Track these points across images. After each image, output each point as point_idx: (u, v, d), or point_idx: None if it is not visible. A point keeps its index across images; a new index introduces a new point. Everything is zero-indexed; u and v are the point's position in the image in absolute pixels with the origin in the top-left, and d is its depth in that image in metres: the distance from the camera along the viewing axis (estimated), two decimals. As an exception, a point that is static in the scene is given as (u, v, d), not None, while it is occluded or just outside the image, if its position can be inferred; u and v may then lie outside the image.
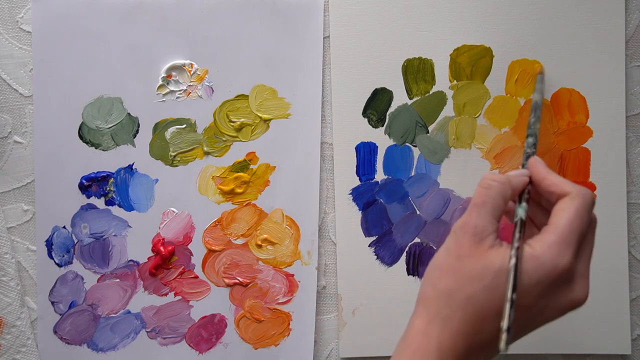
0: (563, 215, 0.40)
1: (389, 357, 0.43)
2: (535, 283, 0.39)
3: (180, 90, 0.60)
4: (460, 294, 0.40)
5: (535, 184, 0.44)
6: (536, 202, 0.45)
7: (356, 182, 0.60)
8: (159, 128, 0.60)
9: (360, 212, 0.60)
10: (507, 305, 0.38)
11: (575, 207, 0.41)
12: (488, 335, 0.40)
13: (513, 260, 0.39)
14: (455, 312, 0.40)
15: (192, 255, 0.61)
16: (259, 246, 0.61)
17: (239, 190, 0.60)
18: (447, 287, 0.40)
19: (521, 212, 0.42)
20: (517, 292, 0.39)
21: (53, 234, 0.60)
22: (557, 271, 0.39)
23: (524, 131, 0.59)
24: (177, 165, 0.60)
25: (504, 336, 0.37)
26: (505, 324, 0.37)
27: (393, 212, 0.60)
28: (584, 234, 0.41)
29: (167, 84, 0.59)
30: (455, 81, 0.59)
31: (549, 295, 0.40)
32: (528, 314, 0.40)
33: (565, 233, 0.40)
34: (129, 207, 0.60)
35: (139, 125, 0.60)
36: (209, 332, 0.61)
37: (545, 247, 0.40)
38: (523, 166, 0.46)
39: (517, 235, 0.40)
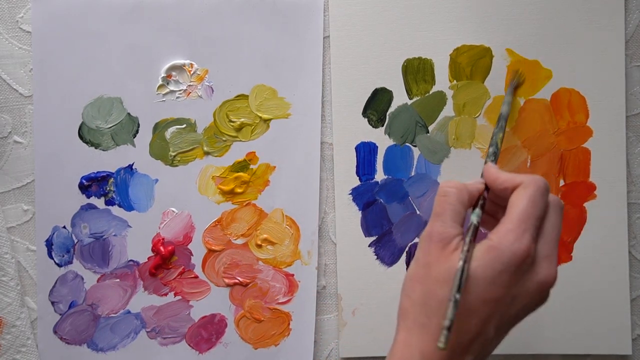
0: (517, 204, 0.42)
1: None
2: (499, 273, 0.40)
3: (180, 90, 0.60)
4: (433, 299, 0.41)
5: (490, 187, 0.45)
6: (500, 205, 0.46)
7: (356, 182, 0.60)
8: (159, 128, 0.60)
9: (360, 212, 0.60)
10: (450, 305, 0.39)
11: (528, 194, 0.42)
12: (469, 335, 0.40)
13: (460, 263, 0.40)
14: (431, 318, 0.40)
15: (192, 255, 0.61)
16: (259, 246, 0.61)
17: (239, 190, 0.60)
18: (420, 295, 0.41)
19: (474, 218, 0.44)
20: (484, 286, 0.40)
21: (53, 234, 0.60)
22: (517, 257, 0.40)
23: (523, 131, 0.59)
24: (177, 165, 0.60)
25: (444, 332, 0.38)
26: (446, 322, 0.38)
27: (393, 212, 0.60)
28: (541, 218, 0.42)
29: (167, 84, 0.59)
30: (455, 81, 0.59)
31: (516, 283, 0.41)
32: (501, 305, 0.41)
33: (520, 219, 0.41)
34: (129, 207, 0.60)
35: (139, 125, 0.60)
36: (209, 332, 0.61)
37: (502, 236, 0.41)
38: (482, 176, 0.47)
39: (467, 239, 0.41)
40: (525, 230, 0.41)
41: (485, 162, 0.49)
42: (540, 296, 0.42)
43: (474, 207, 0.45)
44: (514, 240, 0.40)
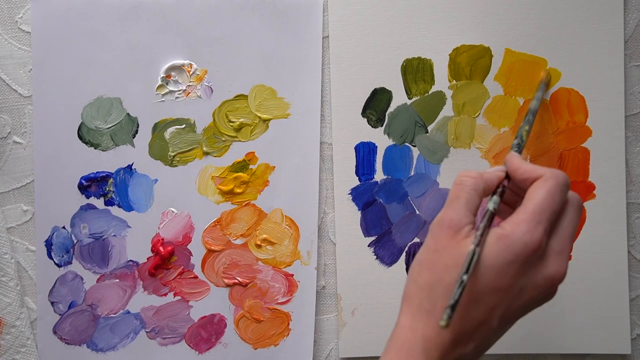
0: (534, 195, 0.41)
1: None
2: (508, 262, 0.40)
3: (179, 91, 0.60)
4: (440, 284, 0.40)
5: (511, 176, 0.45)
6: (520, 196, 0.46)
7: (355, 182, 0.60)
8: (159, 128, 0.60)
9: (360, 212, 0.60)
10: (457, 284, 0.38)
11: (547, 187, 0.41)
12: (473, 323, 0.40)
13: (472, 246, 0.40)
14: (436, 304, 0.40)
15: (192, 256, 0.61)
16: (259, 246, 0.61)
17: (238, 190, 0.60)
18: (427, 280, 0.41)
19: (491, 205, 0.43)
20: (492, 274, 0.40)
21: (52, 234, 0.60)
22: (527, 248, 0.40)
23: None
24: (176, 166, 0.60)
25: (447, 311, 0.37)
26: (451, 300, 0.38)
27: (392, 212, 0.60)
28: (557, 213, 0.42)
29: (167, 84, 0.59)
30: (454, 81, 0.59)
31: (525, 274, 0.41)
32: (509, 295, 0.41)
33: (535, 211, 0.41)
34: (129, 207, 0.60)
35: (138, 125, 0.60)
36: (208, 332, 0.61)
37: (514, 226, 0.40)
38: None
39: (482, 224, 0.41)
40: (539, 223, 0.40)
41: (509, 152, 0.48)
42: (548, 291, 0.42)
43: (492, 194, 0.44)
44: (526, 231, 0.40)
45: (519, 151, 0.49)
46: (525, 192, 0.43)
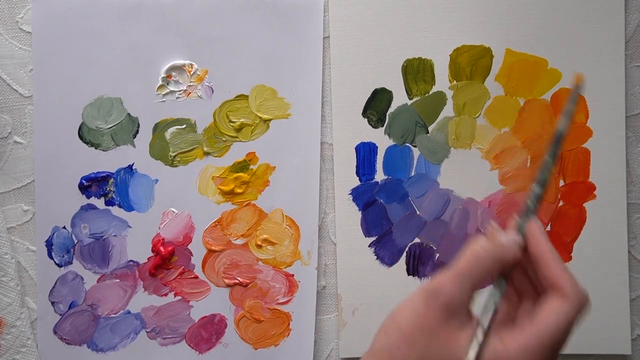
0: (551, 319, 0.36)
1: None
2: None
3: (180, 91, 0.60)
4: None
5: (531, 259, 0.38)
6: (529, 277, 0.40)
7: (356, 182, 0.60)
8: (159, 128, 0.60)
9: (360, 212, 0.60)
10: None
11: (567, 313, 0.36)
12: None
13: None
14: None
15: (192, 256, 0.61)
16: (259, 246, 0.61)
17: (238, 191, 0.60)
18: (403, 356, 0.37)
19: (495, 298, 0.38)
20: None
21: (53, 234, 0.60)
22: None
23: (523, 131, 0.59)
24: (177, 166, 0.60)
25: None
26: None
27: (393, 212, 0.60)
28: (566, 342, 0.37)
29: (167, 84, 0.59)
30: (455, 81, 0.59)
31: None
32: None
33: (544, 342, 0.35)
34: (129, 208, 0.60)
35: (138, 125, 0.60)
36: (208, 332, 0.61)
37: (519, 351, 0.35)
38: (520, 218, 0.39)
39: (480, 331, 0.36)
40: (544, 357, 0.35)
41: (528, 209, 0.39)
42: None
43: (498, 277, 0.38)
44: None
45: (538, 207, 0.40)
46: (536, 273, 0.38)
